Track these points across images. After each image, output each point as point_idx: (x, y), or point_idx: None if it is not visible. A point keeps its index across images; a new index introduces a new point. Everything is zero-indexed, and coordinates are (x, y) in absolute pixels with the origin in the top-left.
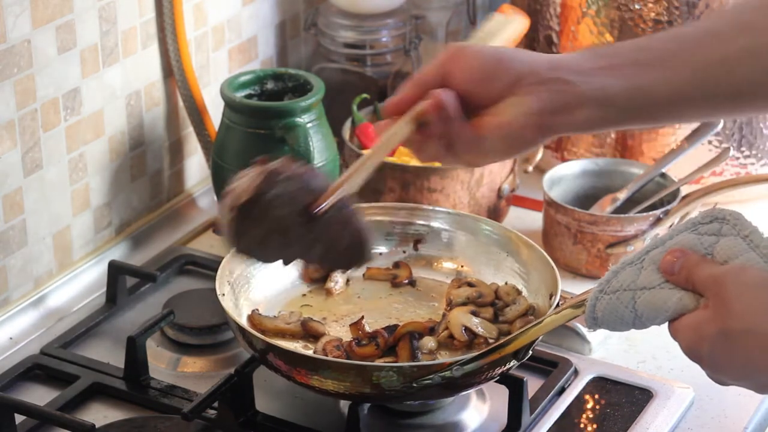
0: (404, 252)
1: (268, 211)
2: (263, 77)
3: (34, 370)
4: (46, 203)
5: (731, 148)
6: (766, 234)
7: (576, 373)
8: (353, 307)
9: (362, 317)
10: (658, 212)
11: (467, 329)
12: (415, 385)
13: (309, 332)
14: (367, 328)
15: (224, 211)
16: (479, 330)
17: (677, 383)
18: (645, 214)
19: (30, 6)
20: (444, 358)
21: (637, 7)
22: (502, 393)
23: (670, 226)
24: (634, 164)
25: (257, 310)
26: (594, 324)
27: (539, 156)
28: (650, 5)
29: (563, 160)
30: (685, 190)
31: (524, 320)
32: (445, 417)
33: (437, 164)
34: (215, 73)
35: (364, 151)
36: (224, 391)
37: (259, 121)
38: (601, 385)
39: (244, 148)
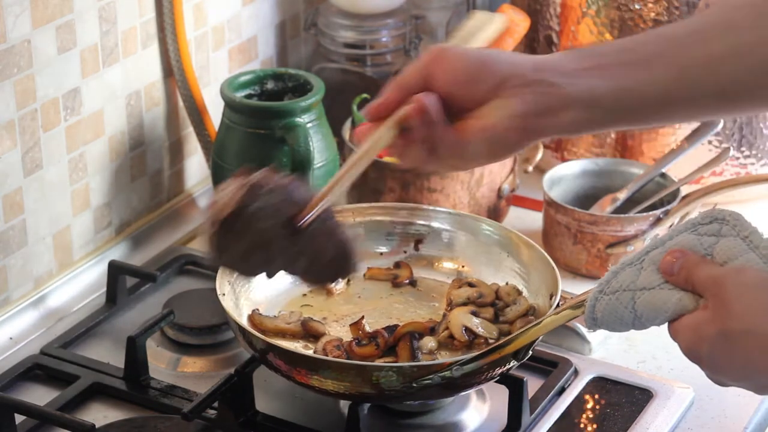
0: (405, 252)
1: (251, 225)
2: (263, 77)
3: (34, 370)
4: (46, 203)
5: (731, 148)
6: (765, 235)
7: (576, 373)
8: (354, 307)
9: (362, 317)
10: (658, 212)
11: (467, 329)
12: (414, 385)
13: (309, 332)
14: (368, 328)
15: (206, 225)
16: (479, 330)
17: (677, 383)
18: (645, 214)
19: (30, 6)
20: (444, 358)
21: (637, 7)
22: (502, 393)
23: (670, 226)
24: (634, 164)
25: (257, 309)
26: (593, 324)
27: (539, 156)
28: (650, 5)
29: (563, 160)
30: (685, 190)
31: (525, 320)
32: (445, 417)
33: None
34: (215, 73)
35: None
36: (224, 391)
37: (259, 121)
38: (601, 385)
39: (244, 148)
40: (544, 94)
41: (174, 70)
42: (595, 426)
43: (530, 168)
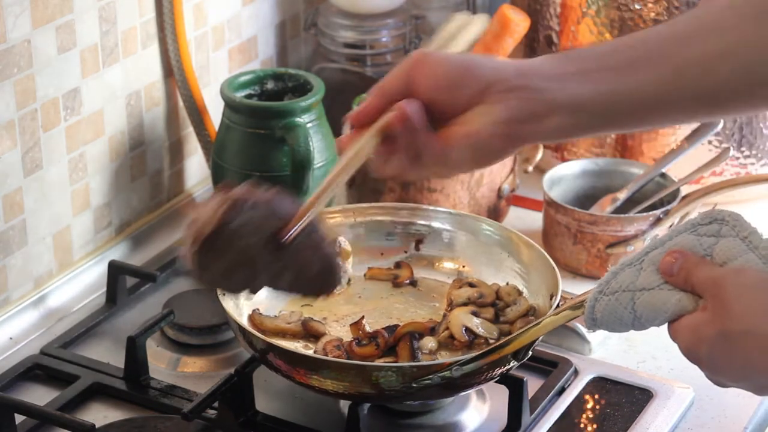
0: (406, 252)
1: (233, 243)
2: (263, 77)
3: (34, 370)
4: (46, 203)
5: (731, 148)
6: (765, 235)
7: (576, 373)
8: (354, 307)
9: (362, 317)
10: (658, 212)
11: (468, 329)
12: (414, 385)
13: (309, 332)
14: (368, 328)
15: (187, 242)
16: (480, 330)
17: (677, 383)
18: (645, 214)
19: (30, 6)
20: (444, 358)
21: (637, 7)
22: (502, 393)
23: (670, 226)
24: (634, 164)
25: (258, 309)
26: (593, 325)
27: (539, 156)
28: (650, 5)
29: (563, 160)
30: (685, 190)
31: (525, 321)
32: (445, 417)
33: None
34: (215, 73)
35: None
36: (224, 391)
37: (259, 121)
38: (601, 385)
39: (244, 148)
40: (529, 99)
41: (174, 70)
42: (595, 426)
43: (530, 168)
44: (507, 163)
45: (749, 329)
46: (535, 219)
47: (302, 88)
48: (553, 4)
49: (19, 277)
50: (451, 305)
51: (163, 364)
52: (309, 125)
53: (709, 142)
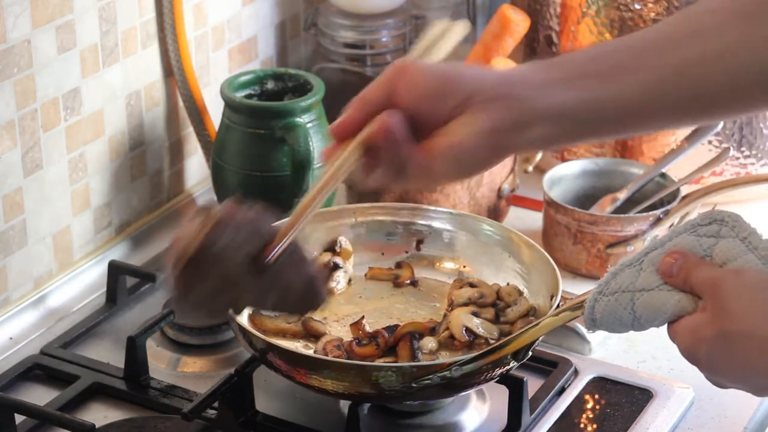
0: (406, 252)
1: (216, 266)
2: (263, 77)
3: (34, 370)
4: (46, 203)
5: (731, 148)
6: (764, 236)
7: (576, 373)
8: (354, 307)
9: (363, 317)
10: (658, 212)
11: (468, 330)
12: (414, 385)
13: (310, 332)
14: (368, 328)
15: (169, 265)
16: (480, 330)
17: (677, 383)
18: (645, 214)
19: (30, 6)
20: (444, 358)
21: (637, 7)
22: (502, 393)
23: (670, 226)
24: (634, 164)
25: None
26: (593, 325)
27: (539, 156)
28: (650, 5)
29: (563, 160)
30: (685, 190)
31: (525, 321)
32: (445, 417)
33: None
34: (215, 73)
35: None
36: (224, 391)
37: (259, 121)
38: (601, 385)
39: (244, 148)
40: (512, 108)
41: (174, 70)
42: (595, 426)
43: (530, 168)
44: (507, 163)
45: (748, 330)
46: (535, 219)
47: (302, 88)
48: (553, 4)
49: (19, 277)
50: (452, 305)
51: (163, 364)
52: (309, 125)
53: (709, 142)
